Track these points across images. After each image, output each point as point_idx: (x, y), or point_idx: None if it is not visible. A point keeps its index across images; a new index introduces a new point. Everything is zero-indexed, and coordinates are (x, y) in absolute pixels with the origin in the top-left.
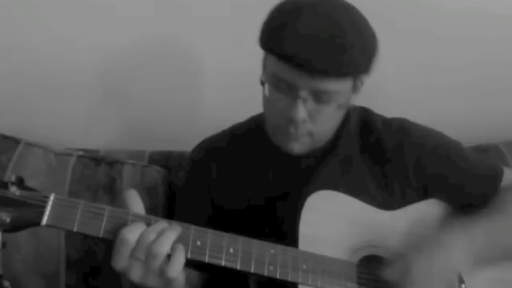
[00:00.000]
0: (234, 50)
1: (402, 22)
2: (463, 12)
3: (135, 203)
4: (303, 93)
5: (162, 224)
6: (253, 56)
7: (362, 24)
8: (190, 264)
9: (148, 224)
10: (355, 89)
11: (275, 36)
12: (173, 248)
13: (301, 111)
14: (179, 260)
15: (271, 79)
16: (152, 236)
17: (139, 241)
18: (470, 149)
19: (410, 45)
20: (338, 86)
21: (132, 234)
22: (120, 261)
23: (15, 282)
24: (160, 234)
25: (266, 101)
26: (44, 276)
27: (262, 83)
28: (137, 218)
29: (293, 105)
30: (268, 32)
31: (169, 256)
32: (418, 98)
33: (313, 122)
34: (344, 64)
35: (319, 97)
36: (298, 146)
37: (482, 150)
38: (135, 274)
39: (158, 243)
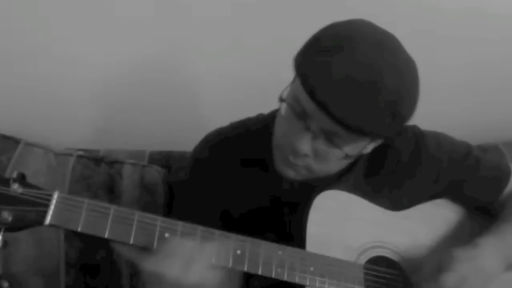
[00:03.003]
0: (234, 51)
1: (402, 22)
2: (463, 12)
3: None
4: (316, 128)
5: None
6: (253, 57)
7: (405, 78)
8: None
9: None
10: (373, 141)
11: (308, 72)
12: None
13: (306, 145)
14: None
15: (291, 100)
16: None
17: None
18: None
19: (410, 45)
20: (353, 137)
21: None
22: None
23: (15, 282)
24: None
25: (279, 117)
26: (44, 275)
27: (281, 100)
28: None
29: (301, 136)
30: (302, 60)
31: None
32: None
33: (316, 160)
34: (369, 124)
35: (330, 139)
36: (293, 173)
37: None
38: None
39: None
